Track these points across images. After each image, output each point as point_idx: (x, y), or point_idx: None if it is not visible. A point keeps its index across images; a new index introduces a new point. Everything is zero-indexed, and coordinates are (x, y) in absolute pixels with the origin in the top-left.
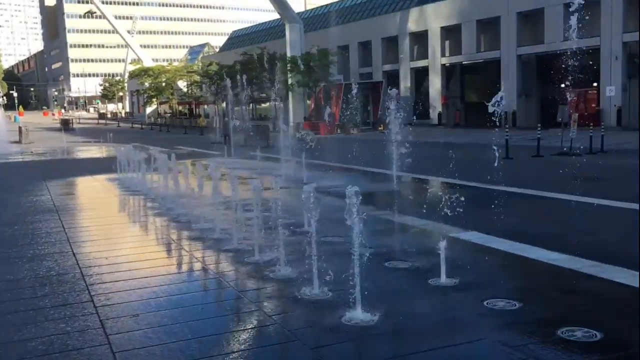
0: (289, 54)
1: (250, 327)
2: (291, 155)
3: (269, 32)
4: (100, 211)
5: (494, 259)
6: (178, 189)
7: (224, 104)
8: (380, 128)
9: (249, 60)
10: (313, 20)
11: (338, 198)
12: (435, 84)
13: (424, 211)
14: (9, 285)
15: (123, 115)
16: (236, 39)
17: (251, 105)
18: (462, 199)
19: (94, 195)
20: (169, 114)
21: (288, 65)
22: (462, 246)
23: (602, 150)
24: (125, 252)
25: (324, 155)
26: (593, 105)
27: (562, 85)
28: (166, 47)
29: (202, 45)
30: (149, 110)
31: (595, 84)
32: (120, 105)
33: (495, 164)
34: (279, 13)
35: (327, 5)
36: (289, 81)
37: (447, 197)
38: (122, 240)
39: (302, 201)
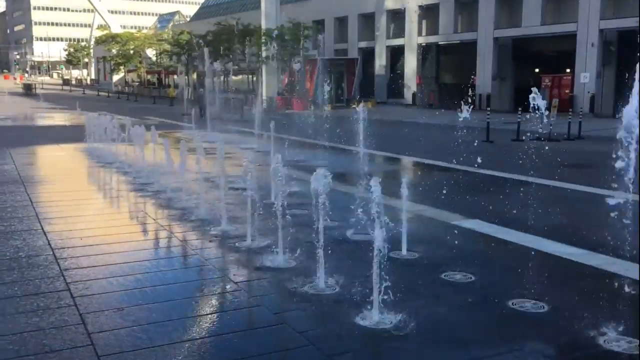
0: (263, 26)
1: (254, 325)
2: (266, 129)
3: (243, 2)
4: (70, 184)
5: (505, 251)
6: (154, 162)
7: (194, 75)
8: (353, 105)
9: (222, 31)
10: None
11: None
12: (410, 63)
13: (418, 196)
14: None
15: (88, 82)
16: (208, 8)
17: (223, 77)
18: (453, 183)
19: (62, 165)
20: (136, 83)
21: (262, 37)
22: (467, 236)
23: (580, 137)
24: (101, 232)
25: (302, 131)
26: (567, 91)
27: (537, 70)
28: (134, 13)
29: (173, 14)
30: (115, 78)
31: (568, 70)
32: (85, 71)
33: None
34: None
35: None
36: (263, 54)
37: (437, 181)
38: (96, 217)
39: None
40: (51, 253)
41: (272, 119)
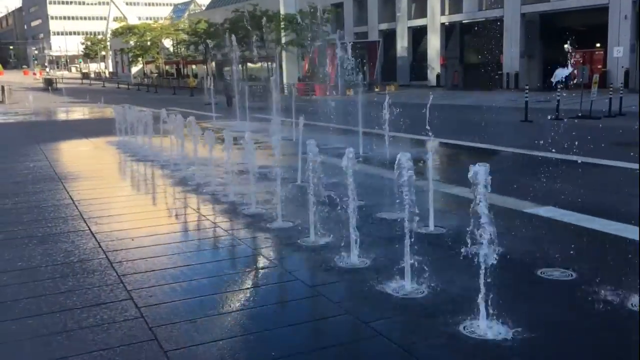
0: (282, 12)
1: (350, 339)
2: (300, 117)
3: None
4: (108, 180)
5: (596, 242)
6: (192, 154)
7: (213, 64)
8: (376, 89)
9: (240, 18)
10: None
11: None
12: (433, 44)
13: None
14: (23, 276)
15: (107, 75)
16: None
17: (240, 65)
18: (508, 166)
19: (97, 160)
20: (155, 74)
21: (282, 23)
22: (549, 226)
23: (621, 113)
24: (151, 231)
25: (344, 119)
26: (599, 66)
27: (566, 46)
28: (148, 4)
29: (188, 3)
30: (134, 70)
31: (598, 45)
32: (102, 64)
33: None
34: None
35: None
36: (283, 40)
37: (491, 165)
38: (143, 215)
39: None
40: (104, 257)
41: (301, 105)
